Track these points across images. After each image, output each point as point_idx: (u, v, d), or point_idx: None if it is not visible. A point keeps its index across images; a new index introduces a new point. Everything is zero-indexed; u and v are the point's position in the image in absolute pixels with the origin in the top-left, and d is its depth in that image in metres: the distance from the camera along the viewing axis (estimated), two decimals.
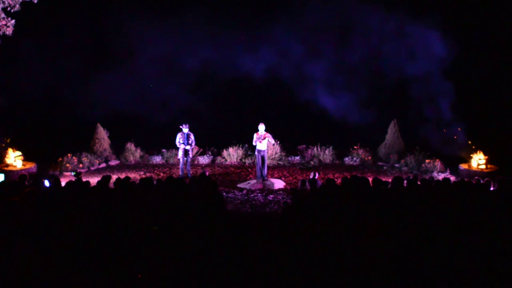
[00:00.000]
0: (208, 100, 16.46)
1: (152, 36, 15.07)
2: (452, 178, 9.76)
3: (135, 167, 13.19)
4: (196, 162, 13.53)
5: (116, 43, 15.23)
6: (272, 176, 11.73)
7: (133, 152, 13.79)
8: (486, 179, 7.58)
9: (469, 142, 12.38)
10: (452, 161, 12.11)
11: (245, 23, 15.28)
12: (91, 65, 15.17)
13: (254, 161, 12.36)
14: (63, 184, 7.27)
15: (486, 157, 11.49)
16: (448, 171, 11.82)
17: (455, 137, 12.94)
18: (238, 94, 16.68)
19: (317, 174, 8.83)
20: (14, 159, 11.63)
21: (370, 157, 13.40)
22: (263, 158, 10.85)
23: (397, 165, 12.83)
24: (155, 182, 7.83)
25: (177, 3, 15.73)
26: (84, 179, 7.73)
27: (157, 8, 15.26)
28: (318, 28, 15.05)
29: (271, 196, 9.87)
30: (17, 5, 9.00)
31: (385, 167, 12.87)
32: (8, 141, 11.88)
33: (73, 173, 9.05)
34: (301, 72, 15.43)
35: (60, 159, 12.37)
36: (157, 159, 13.74)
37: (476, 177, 8.28)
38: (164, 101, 15.61)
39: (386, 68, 14.16)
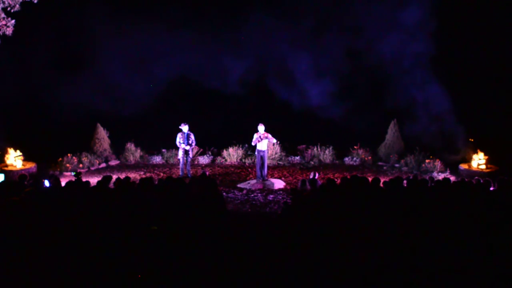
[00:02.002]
0: (191, 102, 16.46)
1: (125, 37, 14.88)
2: (452, 178, 9.76)
3: (135, 167, 13.19)
4: (196, 162, 13.53)
5: (86, 47, 15.05)
6: (272, 176, 11.73)
7: (133, 152, 13.78)
8: (486, 179, 7.58)
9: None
10: (452, 161, 12.11)
11: (228, 24, 15.10)
12: (64, 68, 14.87)
13: (254, 161, 12.36)
14: (63, 184, 7.28)
15: (486, 157, 11.49)
16: (448, 171, 11.83)
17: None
18: (228, 96, 16.41)
19: (317, 174, 8.82)
20: (14, 159, 11.63)
21: (370, 157, 13.40)
22: (262, 158, 10.84)
23: (397, 165, 12.83)
24: (156, 182, 7.83)
25: (149, 5, 15.61)
26: (84, 179, 7.73)
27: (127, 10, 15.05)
28: (304, 23, 14.96)
29: (271, 196, 9.88)
30: (17, 5, 8.98)
31: (385, 167, 12.87)
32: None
33: (73, 173, 9.04)
34: (299, 72, 15.39)
35: (60, 159, 12.37)
36: (157, 159, 13.74)
37: (476, 177, 8.28)
38: (139, 99, 15.36)
39: (385, 66, 14.13)
